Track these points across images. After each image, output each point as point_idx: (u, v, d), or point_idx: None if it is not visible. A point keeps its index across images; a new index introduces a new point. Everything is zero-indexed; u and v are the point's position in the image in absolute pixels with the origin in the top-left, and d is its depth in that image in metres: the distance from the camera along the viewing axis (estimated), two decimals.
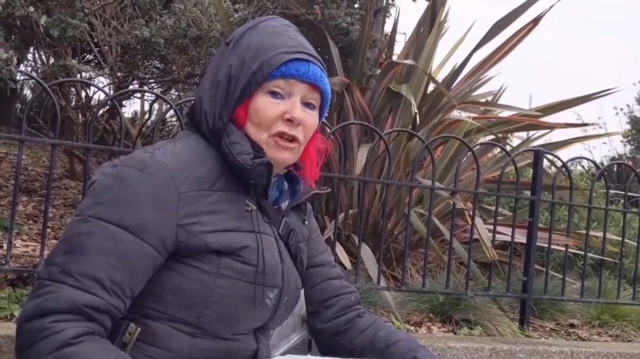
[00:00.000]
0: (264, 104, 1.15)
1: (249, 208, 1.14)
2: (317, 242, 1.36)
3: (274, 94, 1.16)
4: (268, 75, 1.14)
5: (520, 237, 3.17)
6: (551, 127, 3.94)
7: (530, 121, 3.89)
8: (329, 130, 2.57)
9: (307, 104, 1.19)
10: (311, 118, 1.19)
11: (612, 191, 4.09)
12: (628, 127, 12.98)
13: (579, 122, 7.13)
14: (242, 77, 1.14)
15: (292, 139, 1.17)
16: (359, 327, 1.31)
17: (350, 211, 3.43)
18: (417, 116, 3.41)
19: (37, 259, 2.33)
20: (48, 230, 2.61)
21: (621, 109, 13.12)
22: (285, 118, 1.16)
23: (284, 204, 1.25)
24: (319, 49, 3.85)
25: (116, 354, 1.03)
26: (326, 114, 1.29)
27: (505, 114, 4.02)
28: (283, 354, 1.31)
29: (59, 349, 0.98)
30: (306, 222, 1.31)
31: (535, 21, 3.88)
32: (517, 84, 8.84)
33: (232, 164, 1.13)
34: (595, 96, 3.93)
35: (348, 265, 2.85)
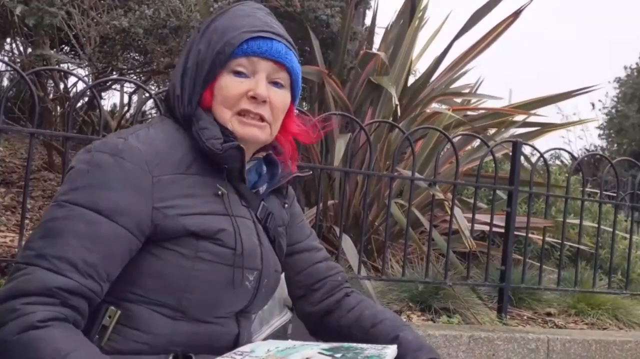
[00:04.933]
0: (227, 83, 1.16)
1: (220, 192, 1.15)
2: (302, 228, 1.36)
3: (237, 73, 1.16)
4: (231, 54, 1.15)
5: (499, 228, 3.21)
6: (528, 117, 4.02)
7: (509, 111, 3.95)
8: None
9: (274, 83, 1.18)
10: (279, 97, 1.19)
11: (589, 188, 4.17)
12: (604, 119, 13.32)
13: (559, 115, 7.28)
14: (207, 59, 1.16)
15: (260, 117, 1.17)
16: (346, 306, 1.32)
17: (331, 202, 3.44)
18: (398, 108, 3.43)
19: (15, 250, 2.31)
20: (26, 221, 2.58)
21: (599, 100, 13.41)
22: (249, 96, 1.16)
23: (262, 188, 1.25)
24: (300, 41, 3.85)
25: (82, 344, 1.01)
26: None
27: (485, 105, 4.08)
28: (264, 339, 1.32)
29: (24, 332, 0.98)
30: (286, 206, 1.31)
31: (516, 15, 3.93)
32: (496, 77, 8.93)
33: (203, 150, 1.14)
34: (574, 93, 4.11)
35: None
